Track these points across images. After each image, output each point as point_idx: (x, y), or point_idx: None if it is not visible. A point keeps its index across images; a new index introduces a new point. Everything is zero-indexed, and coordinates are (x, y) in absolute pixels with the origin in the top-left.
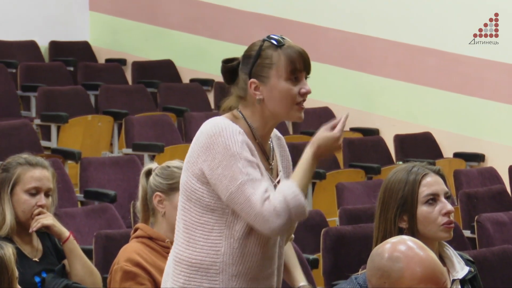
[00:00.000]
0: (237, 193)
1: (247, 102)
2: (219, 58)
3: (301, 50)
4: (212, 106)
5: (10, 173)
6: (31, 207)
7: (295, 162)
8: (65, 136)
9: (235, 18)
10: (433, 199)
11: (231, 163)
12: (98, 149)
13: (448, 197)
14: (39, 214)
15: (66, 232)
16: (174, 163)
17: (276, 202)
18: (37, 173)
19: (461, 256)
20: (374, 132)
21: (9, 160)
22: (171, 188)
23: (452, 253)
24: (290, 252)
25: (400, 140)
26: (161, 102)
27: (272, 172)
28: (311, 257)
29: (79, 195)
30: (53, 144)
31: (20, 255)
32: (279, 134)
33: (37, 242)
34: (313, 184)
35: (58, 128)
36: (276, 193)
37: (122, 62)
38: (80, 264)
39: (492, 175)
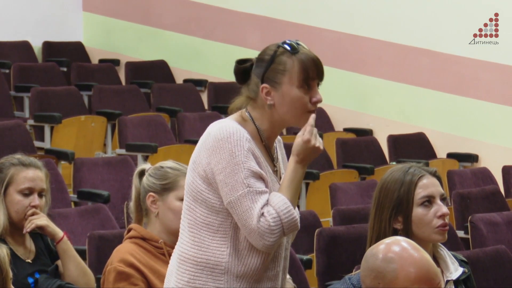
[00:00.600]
0: (236, 203)
1: (257, 104)
2: (212, 58)
3: (315, 58)
4: (206, 106)
5: (3, 173)
6: (25, 208)
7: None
8: (59, 137)
9: (229, 19)
10: (428, 201)
11: (234, 171)
12: (92, 149)
13: (443, 199)
14: (32, 214)
15: (60, 233)
16: (168, 163)
17: (270, 219)
18: (31, 174)
19: (455, 257)
20: (367, 133)
21: (2, 161)
22: (165, 188)
23: (446, 253)
24: None
25: (394, 140)
26: (155, 102)
27: (277, 174)
28: (304, 257)
29: (73, 196)
30: (46, 144)
31: (13, 256)
32: (279, 137)
33: (30, 243)
34: (307, 185)
35: (52, 129)
36: (270, 209)
37: (116, 62)
38: (74, 265)
39: (485, 175)
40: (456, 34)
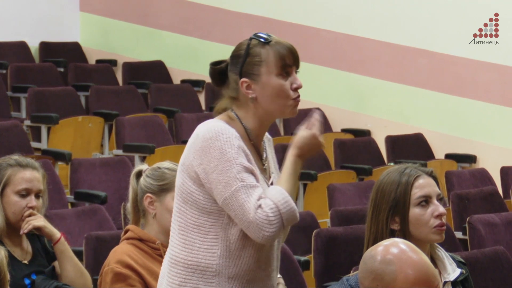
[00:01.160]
0: (231, 199)
1: (240, 102)
2: (210, 59)
3: (289, 45)
4: (203, 107)
5: (0, 174)
6: (22, 209)
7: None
8: (56, 137)
9: (226, 19)
10: (425, 201)
11: (226, 168)
12: (89, 150)
13: (440, 199)
14: (29, 215)
15: (57, 234)
16: (165, 164)
17: (268, 210)
18: (28, 175)
19: (453, 258)
20: (365, 133)
21: None
22: (162, 189)
23: (443, 255)
24: None
25: (392, 141)
26: (152, 103)
27: (266, 172)
28: (302, 258)
29: (70, 197)
30: (43, 145)
31: (10, 257)
32: (268, 136)
33: (26, 244)
34: (304, 186)
35: (49, 129)
36: (267, 200)
37: (113, 63)
38: (71, 266)
39: (483, 176)
40: (455, 35)
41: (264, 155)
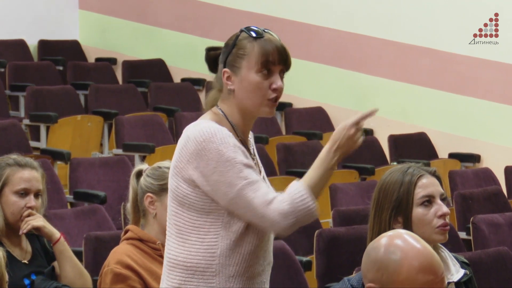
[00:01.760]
0: (238, 198)
1: (224, 94)
2: None
3: (279, 44)
4: (204, 106)
5: None
6: (21, 209)
7: (286, 161)
8: (54, 137)
9: (227, 17)
10: (428, 201)
11: (227, 168)
12: (88, 149)
13: (443, 199)
14: (28, 215)
15: (56, 234)
16: (165, 163)
17: (282, 205)
18: (26, 174)
19: (456, 258)
20: (368, 132)
21: None
22: (163, 189)
23: (447, 255)
24: None
25: (394, 140)
26: (152, 102)
27: (257, 166)
28: (304, 259)
29: (69, 196)
30: (42, 144)
31: (9, 257)
32: (251, 132)
33: (26, 244)
34: None
35: (47, 128)
36: (285, 195)
37: (112, 61)
38: (71, 266)
39: (487, 176)
40: (457, 33)
41: (252, 149)
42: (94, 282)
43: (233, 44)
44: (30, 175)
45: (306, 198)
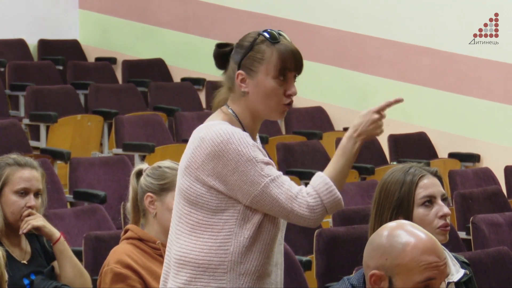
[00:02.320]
0: (262, 196)
1: (235, 94)
2: (210, 57)
3: (295, 49)
4: (204, 105)
5: None
6: (21, 208)
7: (286, 161)
8: (54, 136)
9: (227, 16)
10: (429, 201)
11: (248, 168)
12: (88, 149)
13: (444, 199)
14: (28, 215)
15: (57, 233)
16: (165, 163)
17: (309, 199)
18: (26, 174)
19: (456, 258)
20: None
21: None
22: (163, 188)
23: (447, 255)
24: None
25: (394, 140)
26: (152, 101)
27: None
28: (304, 259)
29: (68, 196)
30: (42, 144)
31: (8, 257)
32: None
33: (25, 244)
34: (306, 185)
35: (47, 128)
36: (310, 189)
37: (112, 60)
38: (71, 266)
39: (487, 175)
40: (458, 33)
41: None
42: (94, 281)
43: (250, 46)
44: (30, 174)
45: (332, 189)
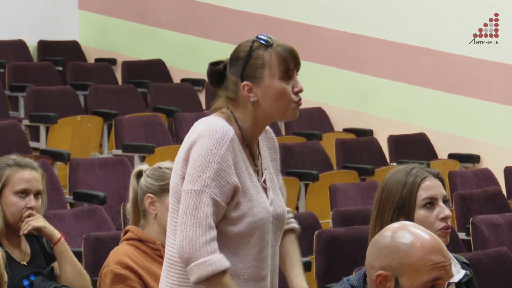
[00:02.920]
0: (188, 195)
1: (239, 103)
2: (210, 57)
3: (291, 48)
4: (204, 106)
5: None
6: (21, 209)
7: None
8: (54, 137)
9: (227, 17)
10: (431, 203)
11: (203, 166)
12: (88, 150)
13: (446, 201)
14: (29, 216)
15: (57, 234)
16: (166, 164)
17: (202, 252)
18: (26, 175)
19: (457, 259)
20: (367, 133)
21: None
22: (163, 189)
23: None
24: (290, 247)
25: (394, 141)
26: (152, 102)
27: (258, 173)
28: (303, 259)
29: (68, 197)
30: (41, 145)
31: (8, 258)
32: (266, 128)
33: (25, 245)
34: (306, 186)
35: (47, 129)
36: (217, 254)
37: (112, 61)
38: (71, 267)
39: (487, 176)
40: (457, 33)
41: (258, 155)
42: (94, 282)
43: (248, 55)
44: (30, 175)
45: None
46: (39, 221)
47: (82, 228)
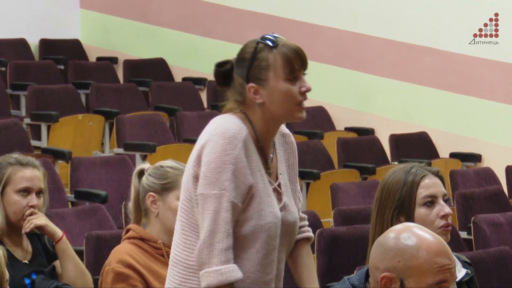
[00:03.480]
0: (206, 199)
1: (247, 105)
2: (212, 56)
3: (297, 47)
4: (205, 105)
5: (1, 173)
6: (23, 208)
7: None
8: (56, 136)
9: (228, 16)
10: (431, 201)
11: (219, 168)
12: (89, 148)
13: (446, 199)
14: (31, 214)
15: (59, 232)
16: (168, 163)
17: (222, 263)
18: (28, 173)
19: (458, 258)
20: (369, 132)
21: None
22: (165, 188)
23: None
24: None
25: (396, 140)
26: (153, 101)
27: (270, 175)
28: None
29: (70, 196)
30: (43, 143)
31: (10, 257)
32: (284, 131)
33: (27, 244)
34: (307, 185)
35: (48, 128)
36: (231, 263)
37: (114, 60)
38: (73, 265)
39: (488, 175)
40: (458, 33)
41: (271, 156)
42: (95, 281)
43: (252, 57)
44: (32, 174)
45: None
46: (41, 219)
47: (83, 227)
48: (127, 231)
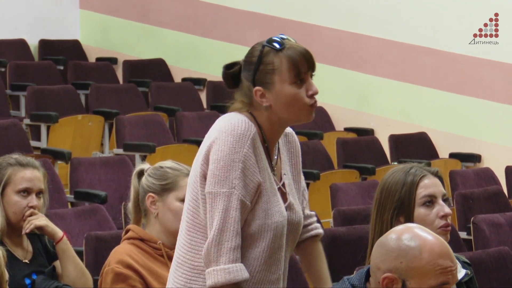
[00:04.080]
0: (215, 198)
1: (254, 107)
2: (211, 57)
3: (303, 50)
4: (205, 105)
5: (1, 174)
6: (23, 208)
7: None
8: (55, 136)
9: (228, 17)
10: (430, 201)
11: (228, 166)
12: (89, 149)
13: (445, 199)
14: (31, 215)
15: (59, 233)
16: (167, 163)
17: (225, 258)
18: (28, 174)
19: (458, 258)
20: (368, 132)
21: None
22: (164, 189)
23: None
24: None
25: (395, 140)
26: (153, 101)
27: (275, 175)
28: None
29: (69, 196)
30: (42, 144)
31: (10, 257)
32: (287, 130)
33: (27, 244)
34: (307, 185)
35: (48, 128)
36: (238, 263)
37: (113, 61)
38: (73, 266)
39: (488, 175)
40: (458, 33)
41: (275, 158)
42: (95, 281)
43: (258, 61)
44: (32, 174)
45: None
46: (41, 220)
47: (83, 227)
48: (127, 231)
